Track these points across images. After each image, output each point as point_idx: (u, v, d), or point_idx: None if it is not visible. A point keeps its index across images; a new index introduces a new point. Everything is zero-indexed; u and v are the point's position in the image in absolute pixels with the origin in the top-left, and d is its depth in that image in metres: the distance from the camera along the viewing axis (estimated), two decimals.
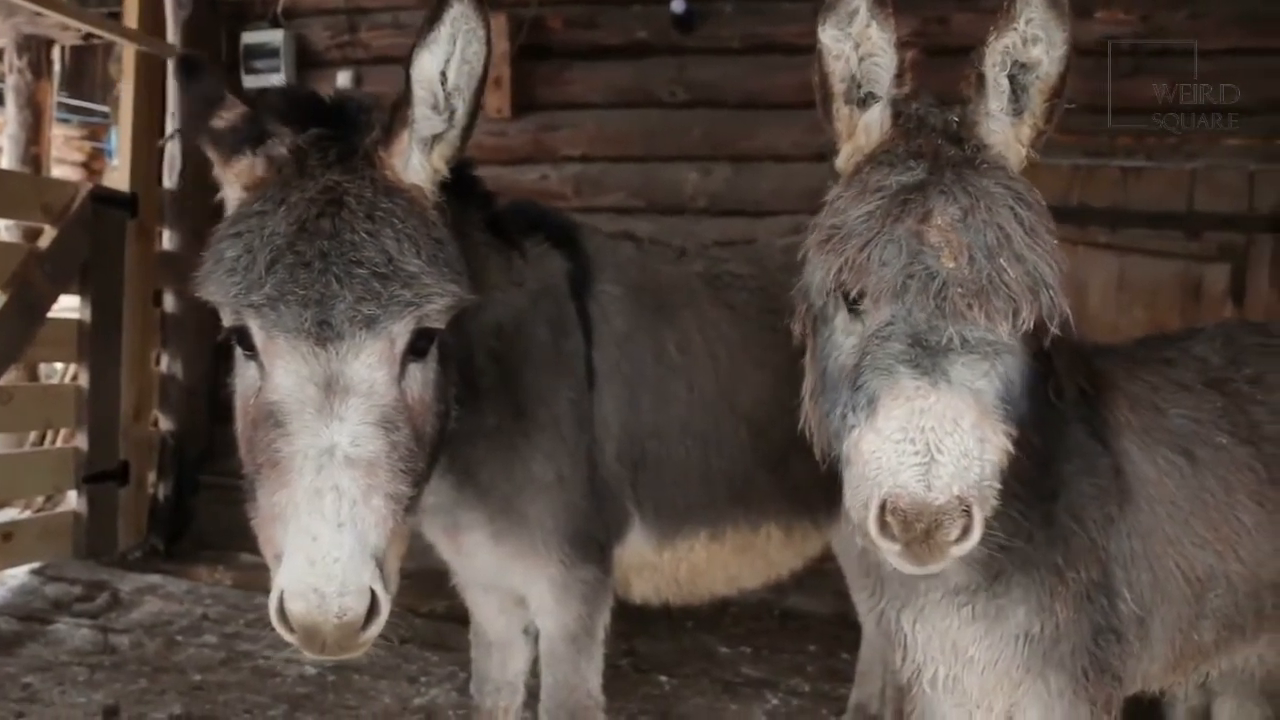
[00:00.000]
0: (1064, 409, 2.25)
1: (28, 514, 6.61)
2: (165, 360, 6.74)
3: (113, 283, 6.16)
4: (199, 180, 6.56)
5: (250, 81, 6.49)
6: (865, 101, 2.03)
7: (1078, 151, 5.54)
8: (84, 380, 6.10)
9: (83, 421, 6.08)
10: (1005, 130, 1.96)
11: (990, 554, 2.17)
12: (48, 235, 5.79)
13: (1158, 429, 2.40)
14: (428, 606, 4.93)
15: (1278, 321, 3.70)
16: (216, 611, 5.47)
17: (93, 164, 11.35)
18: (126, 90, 6.39)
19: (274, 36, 6.61)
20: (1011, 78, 1.95)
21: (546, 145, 6.35)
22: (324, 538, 1.96)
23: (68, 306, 6.18)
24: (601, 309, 3.06)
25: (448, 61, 2.23)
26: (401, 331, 2.12)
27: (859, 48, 1.99)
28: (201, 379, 6.75)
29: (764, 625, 5.43)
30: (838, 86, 2.03)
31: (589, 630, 3.00)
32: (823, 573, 4.13)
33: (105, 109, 11.38)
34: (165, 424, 6.74)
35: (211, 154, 2.33)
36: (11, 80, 8.13)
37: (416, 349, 2.17)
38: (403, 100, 2.26)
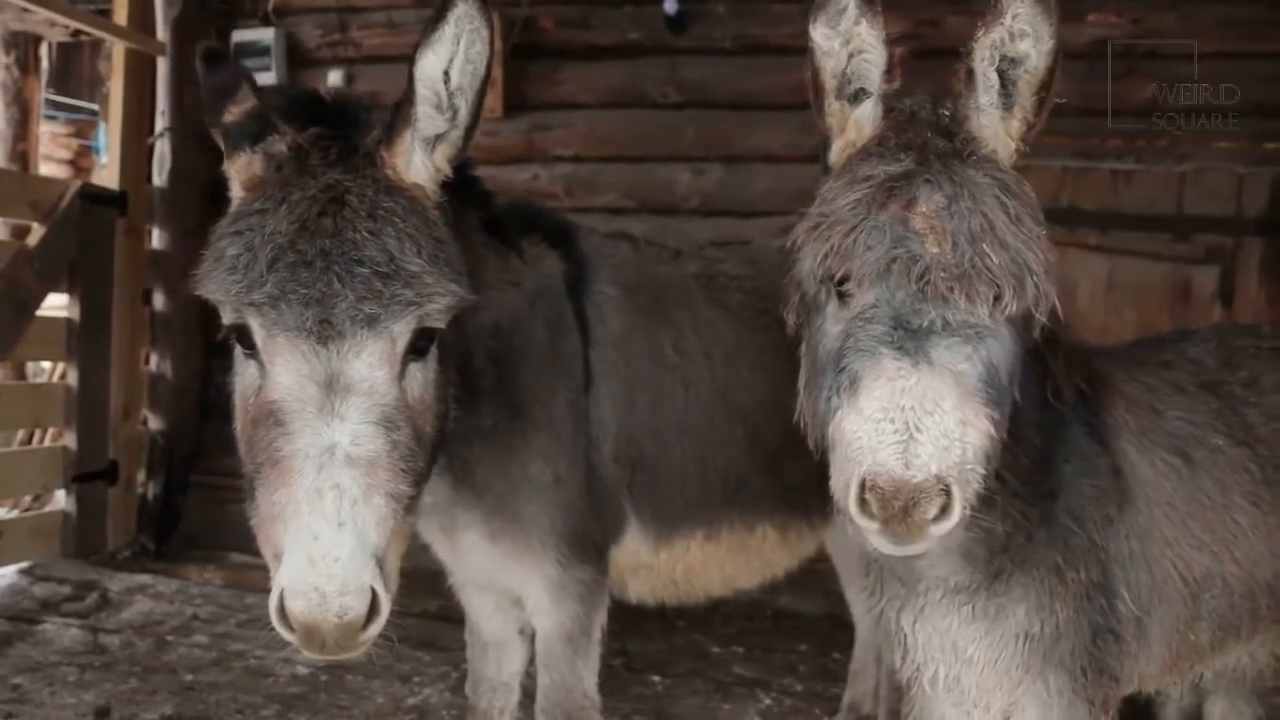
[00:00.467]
0: (1063, 410, 2.26)
1: (16, 513, 6.56)
2: (154, 359, 6.71)
3: (102, 281, 6.13)
4: (189, 179, 6.57)
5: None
6: (856, 97, 2.07)
7: (1068, 153, 5.57)
8: (73, 379, 6.06)
9: (71, 420, 6.05)
10: (995, 124, 1.99)
11: (990, 553, 2.19)
12: (36, 233, 5.76)
13: (1155, 431, 2.42)
14: (420, 606, 4.92)
15: (1267, 325, 3.74)
16: (207, 611, 5.45)
17: (79, 161, 11.30)
18: (116, 88, 6.36)
19: (265, 35, 6.58)
20: (1001, 72, 1.97)
21: (538, 145, 6.35)
22: (325, 537, 1.95)
23: (56, 305, 6.14)
24: (598, 309, 3.07)
25: (451, 61, 2.24)
26: (403, 331, 2.12)
27: (849, 44, 2.02)
28: (191, 378, 6.75)
29: (756, 625, 5.43)
30: (829, 83, 2.06)
31: (585, 630, 3.00)
32: (815, 572, 4.14)
33: (93, 106, 11.34)
34: (154, 423, 6.72)
35: (223, 148, 2.32)
36: None
37: (417, 348, 2.17)
38: (405, 100, 2.26)
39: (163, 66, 6.54)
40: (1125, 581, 2.28)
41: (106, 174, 6.53)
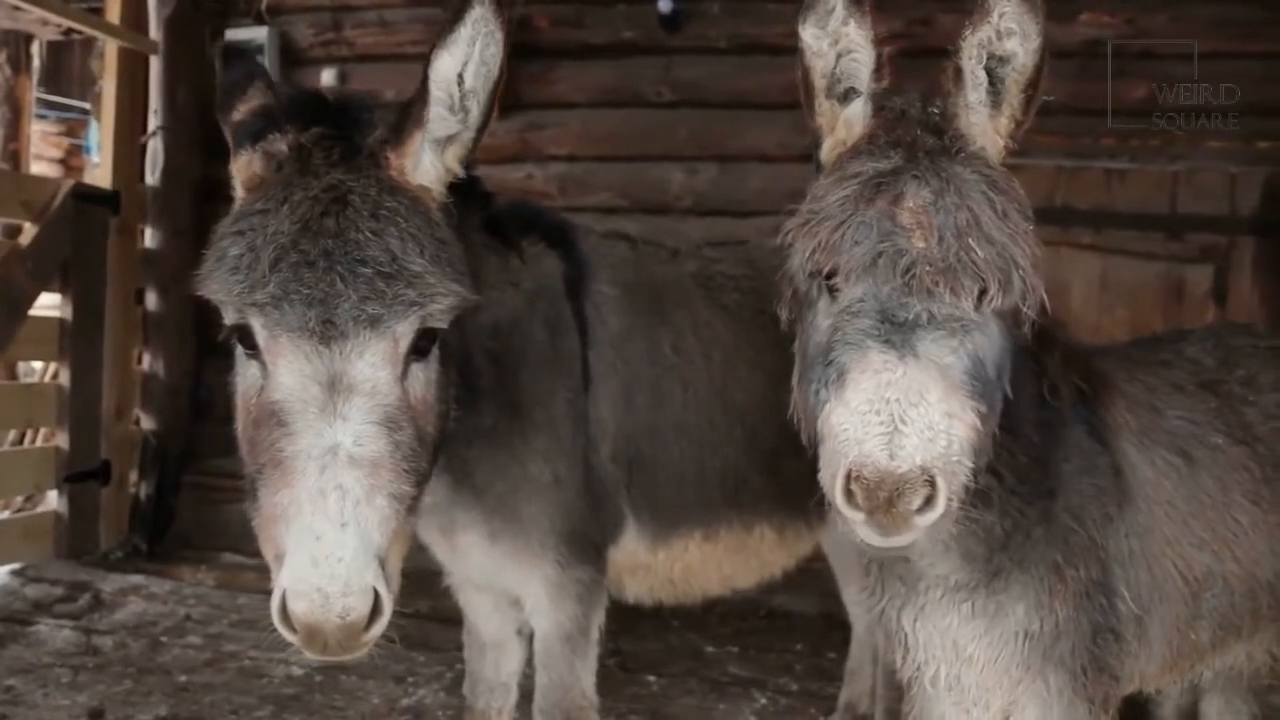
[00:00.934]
0: (1063, 409, 2.27)
1: (7, 514, 6.53)
2: (147, 359, 6.68)
3: (94, 281, 6.12)
4: (181, 178, 6.55)
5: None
6: (846, 96, 2.09)
7: (1062, 153, 5.58)
8: (65, 379, 6.05)
9: (64, 420, 6.04)
10: (984, 122, 2.00)
11: (989, 551, 2.20)
12: (28, 232, 5.74)
13: (1156, 430, 2.43)
14: (413, 607, 4.91)
15: (1261, 324, 3.76)
16: (200, 612, 5.43)
17: (70, 161, 11.26)
18: (109, 87, 6.34)
19: (258, 34, 6.56)
20: (989, 71, 1.99)
21: (532, 144, 6.34)
22: (327, 537, 1.95)
23: (49, 304, 6.12)
24: (597, 309, 3.06)
25: (466, 63, 2.25)
26: (406, 331, 2.12)
27: (837, 45, 2.05)
28: (184, 378, 6.72)
29: (751, 624, 5.44)
30: (819, 83, 2.09)
31: (584, 630, 2.99)
32: (809, 572, 4.14)
33: (83, 105, 11.29)
34: (147, 423, 6.69)
35: (230, 147, 2.33)
36: None
37: (419, 348, 2.17)
38: (418, 100, 2.26)
39: (155, 65, 6.52)
40: (1125, 580, 2.29)
41: (99, 173, 6.51)
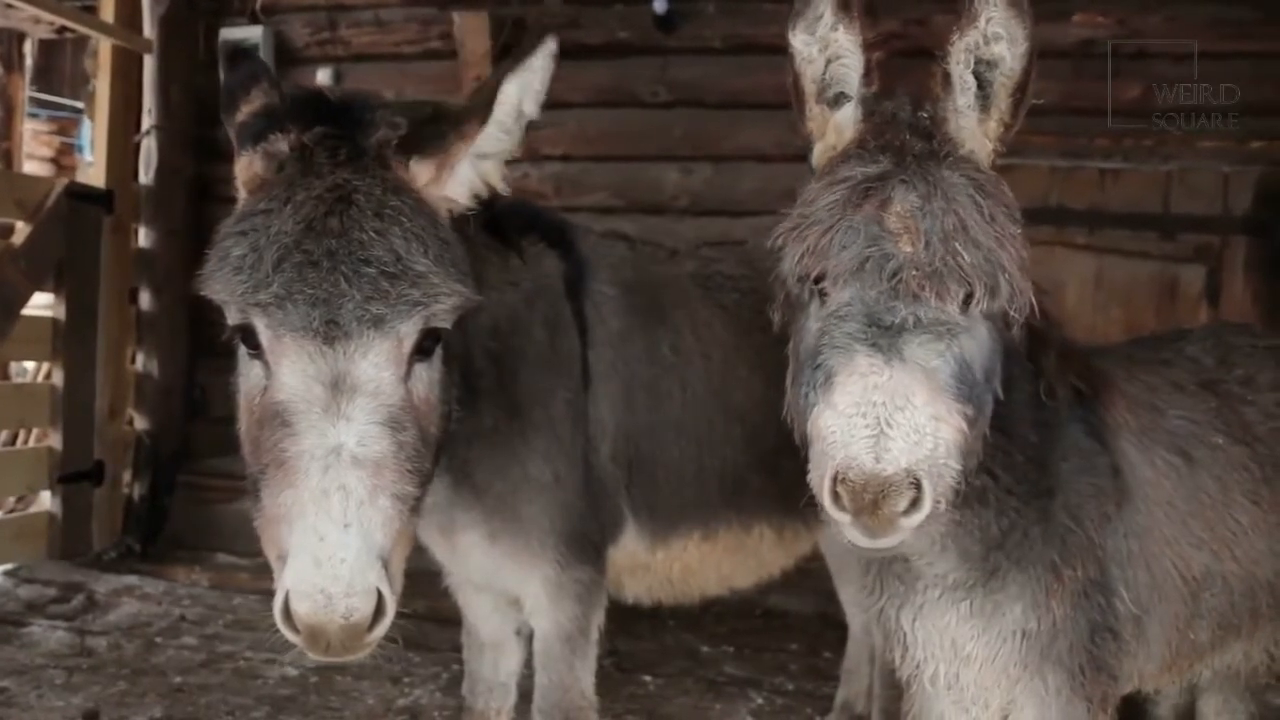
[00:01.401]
0: (1061, 408, 2.28)
1: (0, 515, 6.51)
2: (141, 359, 6.67)
3: (88, 280, 6.10)
4: (176, 177, 6.54)
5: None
6: (837, 101, 2.10)
7: (1056, 153, 5.61)
8: (58, 379, 6.04)
9: (57, 420, 6.03)
10: (973, 126, 2.01)
11: (986, 550, 2.21)
12: (21, 231, 5.73)
13: (1155, 429, 2.44)
14: (410, 607, 4.89)
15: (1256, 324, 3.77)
16: (195, 613, 5.42)
17: (62, 159, 11.21)
18: (102, 86, 6.33)
19: (252, 33, 6.55)
20: (977, 75, 2.00)
21: (528, 144, 6.25)
22: (331, 538, 1.95)
23: (42, 304, 6.10)
24: (596, 309, 3.06)
25: (527, 90, 2.39)
26: (409, 331, 2.12)
27: (826, 50, 2.06)
28: (177, 377, 6.72)
29: (746, 624, 5.44)
30: (809, 88, 2.10)
31: (583, 630, 2.99)
32: (805, 572, 4.14)
33: (74, 104, 11.25)
34: (140, 423, 6.68)
35: (235, 147, 2.34)
36: None
37: (423, 349, 2.17)
38: (475, 116, 2.36)
39: (149, 64, 6.51)
40: (1123, 580, 2.30)
41: (93, 172, 6.50)
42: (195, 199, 6.56)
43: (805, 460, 1.96)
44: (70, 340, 6.01)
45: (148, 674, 4.61)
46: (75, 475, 6.09)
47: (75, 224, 5.95)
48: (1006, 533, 2.21)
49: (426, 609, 4.63)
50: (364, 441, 2.02)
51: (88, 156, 7.93)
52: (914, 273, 1.80)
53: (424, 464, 2.17)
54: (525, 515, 2.86)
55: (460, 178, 2.37)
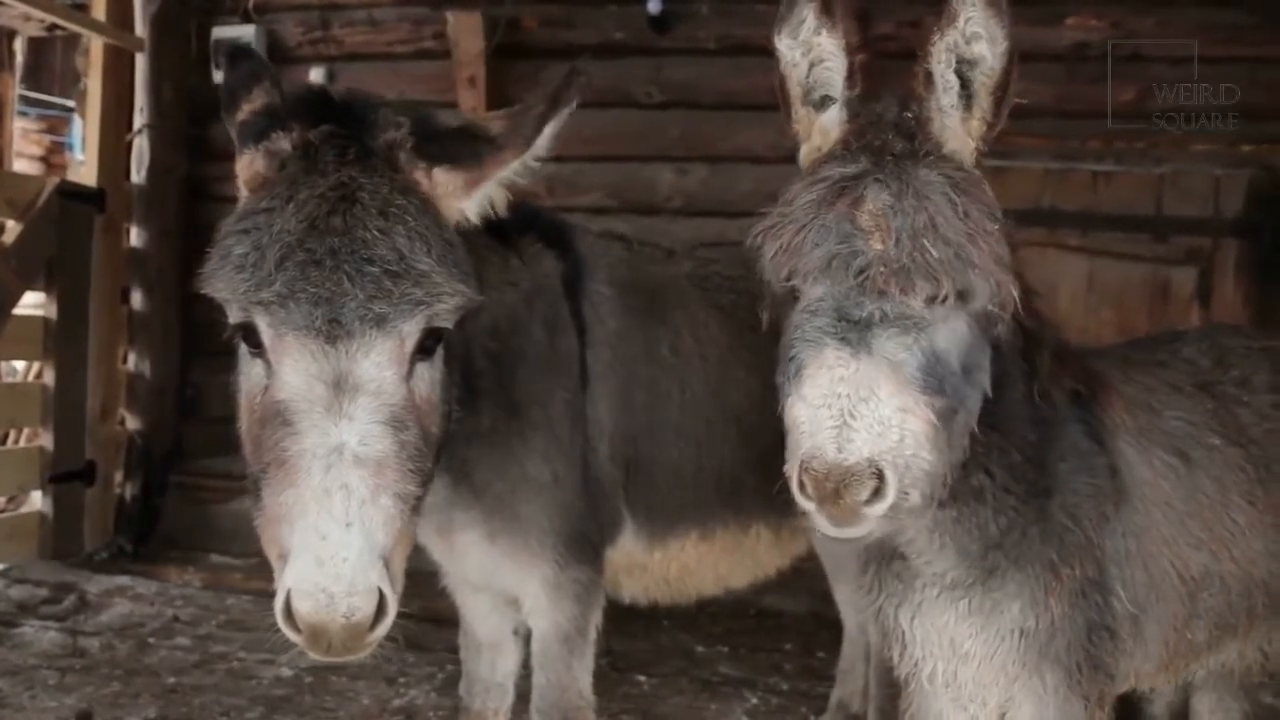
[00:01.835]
0: (1059, 408, 2.29)
1: None
2: (132, 358, 6.64)
3: (80, 279, 6.08)
4: (168, 176, 6.51)
5: (220, 78, 6.42)
6: (822, 104, 2.13)
7: (1049, 155, 5.63)
8: (50, 378, 6.02)
9: (48, 420, 6.01)
10: (956, 125, 2.03)
11: (985, 549, 2.22)
12: (12, 230, 5.71)
13: (1154, 430, 2.45)
14: (406, 607, 4.89)
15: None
16: (187, 613, 5.40)
17: (51, 158, 11.17)
18: (94, 84, 6.31)
19: (245, 31, 6.52)
20: (959, 74, 2.02)
21: None
22: (332, 537, 1.95)
23: (33, 303, 6.07)
24: (595, 309, 3.07)
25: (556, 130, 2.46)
26: (412, 330, 2.12)
27: (810, 54, 2.10)
28: (169, 377, 6.70)
29: (741, 624, 5.43)
30: (795, 91, 2.13)
31: (582, 630, 2.99)
32: (799, 571, 4.14)
33: (64, 102, 11.21)
34: (132, 423, 6.65)
35: (236, 147, 2.34)
36: None
37: (425, 348, 2.18)
38: (518, 147, 2.43)
39: (141, 63, 6.49)
40: (1121, 579, 2.31)
41: (84, 171, 6.46)
42: (187, 198, 6.52)
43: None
44: (61, 340, 5.99)
45: (141, 674, 4.59)
46: (67, 475, 6.07)
47: (67, 223, 5.93)
48: (1005, 531, 2.22)
49: (421, 609, 4.62)
50: (366, 440, 2.02)
51: (78, 155, 7.90)
52: (881, 269, 1.83)
53: (425, 463, 2.17)
54: (524, 515, 2.86)
55: (480, 197, 2.41)
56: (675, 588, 3.39)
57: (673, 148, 6.19)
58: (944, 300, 1.86)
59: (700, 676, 4.76)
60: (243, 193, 2.28)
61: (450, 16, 6.20)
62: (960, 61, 1.99)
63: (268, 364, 2.11)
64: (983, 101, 2.01)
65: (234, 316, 2.12)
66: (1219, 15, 5.46)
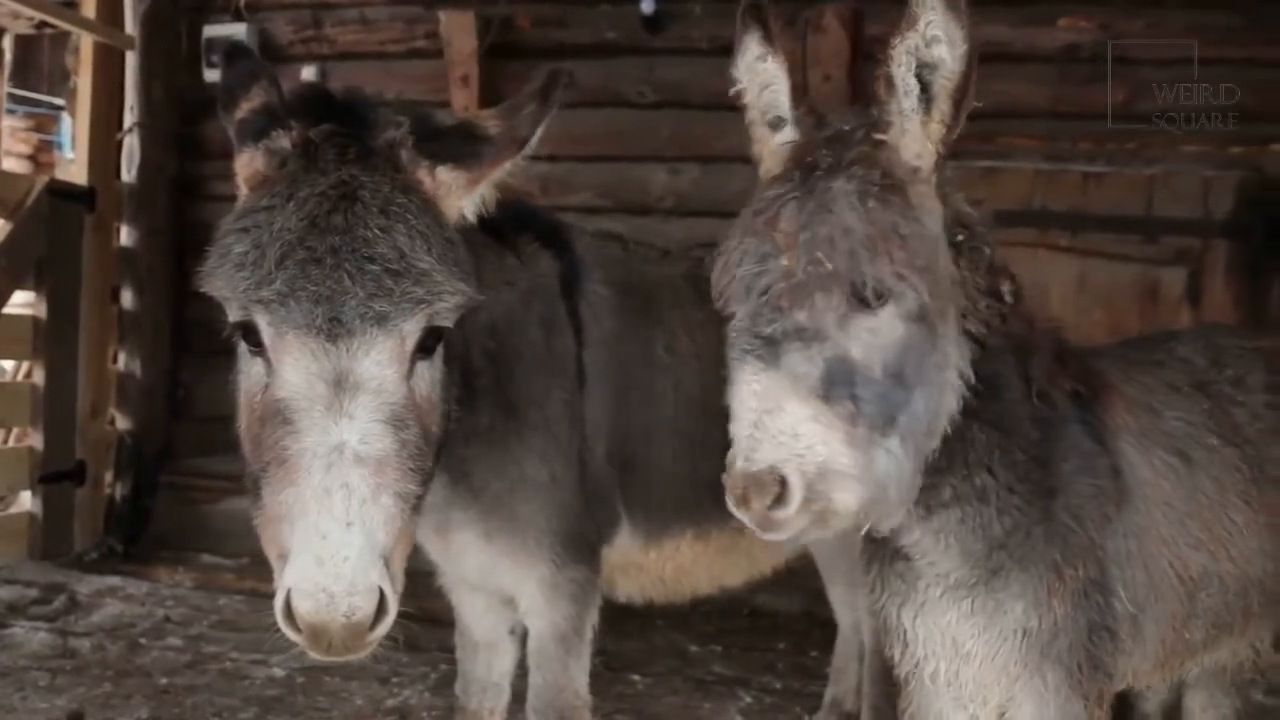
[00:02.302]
0: (1061, 409, 2.30)
1: None
2: (123, 358, 6.62)
3: (70, 279, 6.06)
4: (158, 175, 6.49)
5: (212, 76, 6.40)
6: (778, 124, 2.21)
7: (1039, 156, 5.66)
8: (39, 378, 5.99)
9: (38, 420, 5.98)
10: (916, 129, 2.04)
11: (989, 549, 2.23)
12: (1, 230, 5.69)
13: (1154, 431, 2.46)
14: (403, 607, 4.88)
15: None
16: (179, 613, 5.38)
17: (39, 157, 11.11)
18: (84, 82, 6.28)
19: (236, 30, 6.50)
20: (919, 78, 2.03)
21: None
22: (333, 536, 1.95)
23: (23, 302, 6.04)
24: (591, 309, 3.06)
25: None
26: (412, 329, 2.11)
27: (757, 78, 2.20)
28: (160, 377, 6.68)
29: (734, 623, 5.45)
30: (753, 116, 2.23)
31: (578, 630, 2.99)
32: (791, 570, 4.15)
33: (53, 100, 11.15)
34: (123, 423, 6.63)
35: (234, 145, 2.33)
36: None
37: (425, 347, 2.17)
38: (516, 146, 2.45)
39: (131, 61, 6.46)
40: (1122, 580, 2.31)
41: (74, 170, 6.45)
42: (178, 197, 6.50)
43: None
44: (51, 339, 5.96)
45: (133, 675, 4.57)
46: (56, 475, 6.04)
47: (56, 222, 5.91)
48: (1009, 532, 2.22)
49: (415, 609, 4.60)
50: (367, 439, 2.01)
51: (67, 153, 7.86)
52: (780, 286, 1.91)
53: (425, 462, 2.17)
54: (522, 514, 2.86)
55: (477, 195, 2.42)
56: (671, 587, 3.39)
57: (665, 148, 6.19)
58: (854, 308, 1.91)
59: (694, 676, 4.77)
60: (242, 191, 2.27)
61: (443, 16, 6.20)
62: (920, 65, 2.01)
63: (268, 363, 2.10)
64: (942, 104, 2.03)
65: (234, 315, 2.11)
66: (1209, 17, 5.48)
